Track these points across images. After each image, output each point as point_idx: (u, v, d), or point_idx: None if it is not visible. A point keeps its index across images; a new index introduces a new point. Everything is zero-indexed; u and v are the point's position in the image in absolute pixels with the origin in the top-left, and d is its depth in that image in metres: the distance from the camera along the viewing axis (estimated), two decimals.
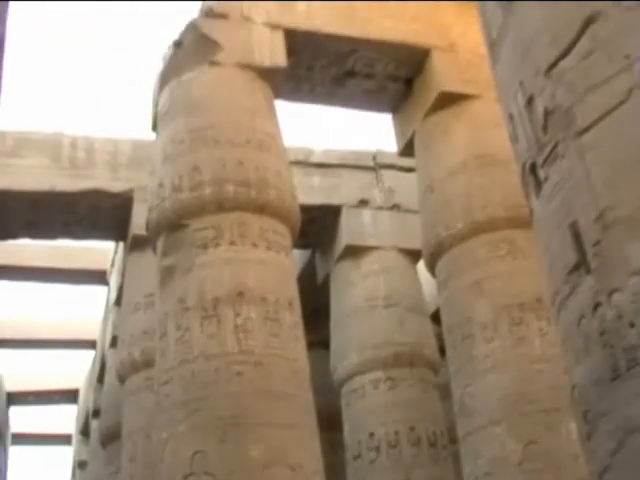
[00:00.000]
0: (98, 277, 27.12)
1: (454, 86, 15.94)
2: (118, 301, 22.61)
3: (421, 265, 18.53)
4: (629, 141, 4.89)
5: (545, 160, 5.48)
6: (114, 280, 24.31)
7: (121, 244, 22.37)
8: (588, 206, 5.08)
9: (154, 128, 15.61)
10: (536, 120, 5.58)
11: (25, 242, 23.21)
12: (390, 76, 16.79)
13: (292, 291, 13.80)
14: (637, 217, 4.78)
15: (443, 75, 16.03)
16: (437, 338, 18.94)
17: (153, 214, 14.23)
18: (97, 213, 20.53)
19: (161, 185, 14.12)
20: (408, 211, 20.57)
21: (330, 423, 18.87)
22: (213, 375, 12.42)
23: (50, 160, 20.12)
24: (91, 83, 70.80)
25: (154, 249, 14.47)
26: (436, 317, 17.74)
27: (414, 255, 20.21)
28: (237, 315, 12.78)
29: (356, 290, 20.28)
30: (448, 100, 15.87)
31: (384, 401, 18.74)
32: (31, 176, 19.61)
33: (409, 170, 18.62)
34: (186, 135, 14.25)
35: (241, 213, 13.58)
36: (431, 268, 15.65)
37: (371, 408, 18.81)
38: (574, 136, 5.21)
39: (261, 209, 13.74)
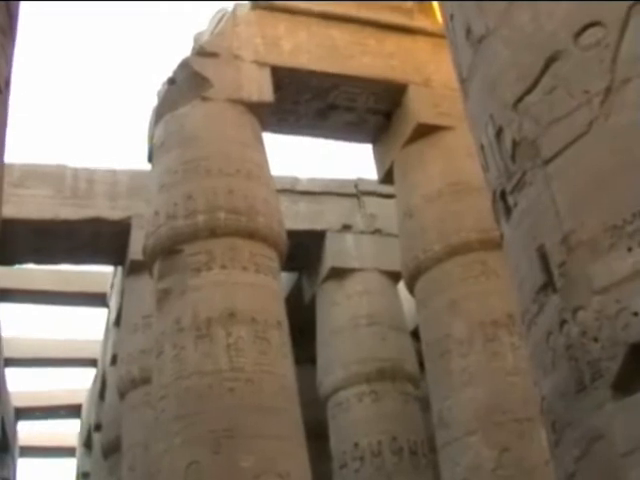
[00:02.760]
0: (99, 299, 27.03)
1: (429, 118, 16.01)
2: (117, 322, 22.55)
3: (401, 285, 18.56)
4: (590, 169, 4.94)
5: (514, 188, 5.52)
6: (114, 302, 24.24)
7: (120, 268, 22.31)
8: (554, 230, 5.11)
9: (150, 160, 15.63)
10: (505, 150, 5.62)
11: (30, 267, 23.13)
12: (370, 109, 16.85)
13: (280, 311, 13.81)
14: (599, 239, 4.82)
15: (419, 108, 16.11)
16: (417, 354, 18.91)
17: (149, 240, 14.23)
18: (97, 239, 20.48)
19: (157, 213, 14.12)
20: (388, 235, 20.58)
21: (317, 435, 18.80)
22: (207, 391, 12.40)
23: (53, 190, 20.11)
24: (92, 119, 70.84)
25: (151, 273, 14.45)
26: (416, 334, 17.75)
27: (394, 276, 20.21)
28: (229, 334, 12.77)
29: (340, 309, 20.26)
30: (424, 131, 15.94)
31: (368, 413, 18.69)
32: (36, 205, 19.59)
33: (389, 197, 18.63)
34: (180, 166, 14.26)
35: (232, 239, 13.59)
36: (410, 288, 15.68)
37: (355, 420, 18.75)
38: (540, 165, 5.26)
39: (250, 235, 13.76)
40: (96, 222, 20.00)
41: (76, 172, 20.79)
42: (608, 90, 4.97)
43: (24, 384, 37.80)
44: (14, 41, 6.26)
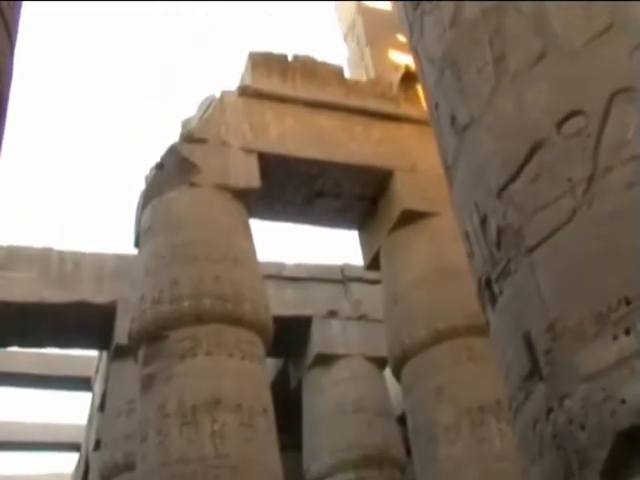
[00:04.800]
0: (83, 383, 26.83)
1: (415, 204, 16.10)
2: (102, 406, 22.32)
3: (387, 371, 18.47)
4: (574, 257, 4.97)
5: (499, 275, 5.54)
6: (98, 386, 24.04)
7: (105, 352, 22.18)
8: (539, 317, 5.12)
9: (137, 244, 15.62)
10: (490, 238, 5.66)
11: (14, 350, 22.96)
12: (356, 195, 16.94)
13: (266, 398, 13.69)
14: (584, 327, 4.82)
15: (405, 194, 16.21)
16: (404, 439, 18.75)
17: (135, 325, 14.16)
18: (83, 323, 20.38)
19: (142, 298, 14.07)
20: (375, 321, 20.54)
21: None
22: (191, 478, 12.22)
23: (39, 273, 20.07)
24: (79, 202, 71.07)
25: (136, 358, 14.35)
26: (402, 420, 17.61)
27: (380, 362, 20.14)
28: (214, 421, 12.64)
29: (327, 396, 20.14)
30: (410, 217, 16.01)
31: None
32: (21, 288, 19.53)
33: (375, 282, 18.64)
34: (166, 251, 14.26)
35: (217, 325, 13.53)
36: (397, 374, 15.59)
37: None
38: (525, 253, 5.28)
39: (236, 321, 13.71)
40: (82, 305, 19.92)
41: (62, 255, 20.79)
42: (591, 178, 5.02)
43: (5, 468, 37.30)
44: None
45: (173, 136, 15.87)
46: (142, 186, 15.82)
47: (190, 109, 16.60)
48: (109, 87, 77.88)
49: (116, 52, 75.75)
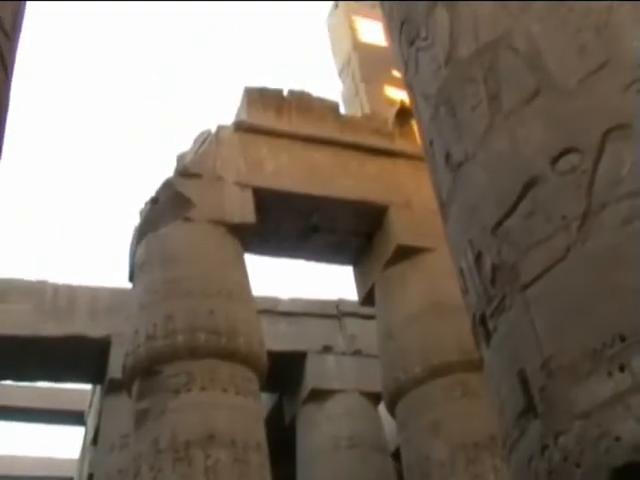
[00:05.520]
0: (76, 417, 26.68)
1: (410, 240, 16.11)
2: (95, 441, 22.17)
3: (382, 406, 18.40)
4: (569, 294, 4.97)
5: (493, 312, 5.54)
6: (91, 421, 23.89)
7: (99, 387, 22.08)
8: (534, 354, 5.11)
9: (131, 278, 15.60)
10: (484, 274, 5.66)
11: (7, 383, 22.86)
12: (351, 231, 16.96)
13: (260, 433, 13.63)
14: (579, 364, 4.81)
15: (400, 230, 16.23)
16: (398, 475, 18.64)
17: (129, 359, 14.10)
18: (77, 357, 20.29)
19: (137, 332, 14.03)
20: (369, 356, 20.48)
21: None
22: None
23: (34, 306, 20.01)
24: (74, 235, 71.03)
25: (129, 393, 14.29)
26: (397, 455, 17.51)
27: (375, 397, 20.06)
28: (207, 457, 12.56)
29: (321, 431, 20.05)
30: (405, 252, 16.02)
31: None
32: (15, 321, 19.45)
33: (370, 317, 18.60)
34: (161, 285, 14.24)
35: (212, 360, 13.49)
36: (391, 409, 15.54)
37: None
38: (519, 289, 5.28)
39: (231, 356, 13.66)
40: (76, 339, 19.85)
41: (57, 288, 20.75)
42: (585, 215, 5.03)
43: None
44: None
45: (168, 170, 15.91)
46: (137, 220, 15.80)
47: (186, 143, 16.57)
48: (109, 87, 78.11)
49: (116, 52, 76.09)
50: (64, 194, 72.17)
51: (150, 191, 15.70)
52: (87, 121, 74.53)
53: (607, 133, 5.12)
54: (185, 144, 16.78)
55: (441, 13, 6.59)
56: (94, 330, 20.15)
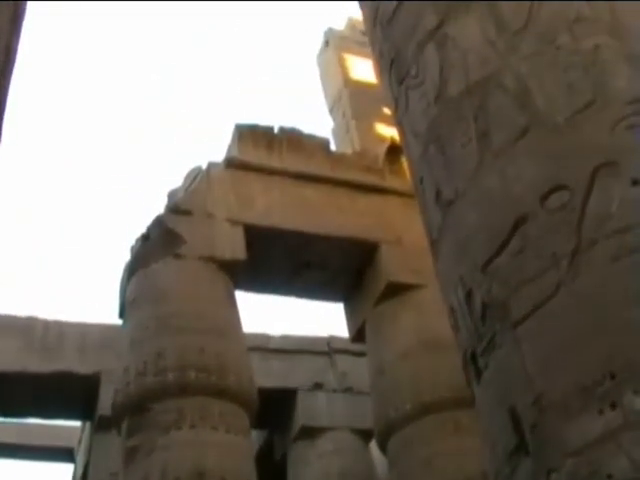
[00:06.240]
0: (65, 455, 26.45)
1: (401, 277, 16.09)
2: (84, 478, 22.00)
3: (373, 443, 18.30)
4: (559, 331, 4.98)
5: (484, 349, 5.53)
6: (80, 457, 23.70)
7: (88, 423, 21.94)
8: (524, 391, 5.10)
9: (121, 315, 15.54)
10: (475, 312, 5.66)
11: None
12: (342, 268, 16.92)
13: (250, 471, 13.54)
14: (570, 401, 4.81)
15: (390, 267, 16.20)
16: None
17: (118, 397, 14.02)
18: (66, 394, 20.16)
19: (127, 369, 13.96)
20: (360, 393, 20.40)
21: None
22: None
23: (23, 342, 19.90)
24: (64, 272, 70.82)
25: (119, 430, 14.19)
26: None
27: (366, 435, 19.95)
28: None
29: (312, 468, 19.91)
30: (396, 289, 15.99)
31: None
32: (4, 356, 19.34)
33: (361, 354, 18.54)
34: (151, 322, 14.18)
35: (202, 397, 13.40)
36: (382, 446, 15.45)
37: None
38: (510, 327, 5.29)
39: (221, 393, 13.58)
40: (65, 376, 19.74)
41: (46, 324, 20.66)
42: (575, 252, 5.05)
43: None
44: None
45: (159, 207, 15.91)
46: (127, 257, 15.78)
47: (177, 180, 16.61)
48: (109, 87, 78.03)
49: (116, 52, 76.10)
50: (63, 194, 71.85)
51: (141, 228, 15.69)
52: (87, 121, 74.37)
53: (596, 170, 5.16)
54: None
55: (431, 52, 6.64)
56: (83, 367, 20.04)
